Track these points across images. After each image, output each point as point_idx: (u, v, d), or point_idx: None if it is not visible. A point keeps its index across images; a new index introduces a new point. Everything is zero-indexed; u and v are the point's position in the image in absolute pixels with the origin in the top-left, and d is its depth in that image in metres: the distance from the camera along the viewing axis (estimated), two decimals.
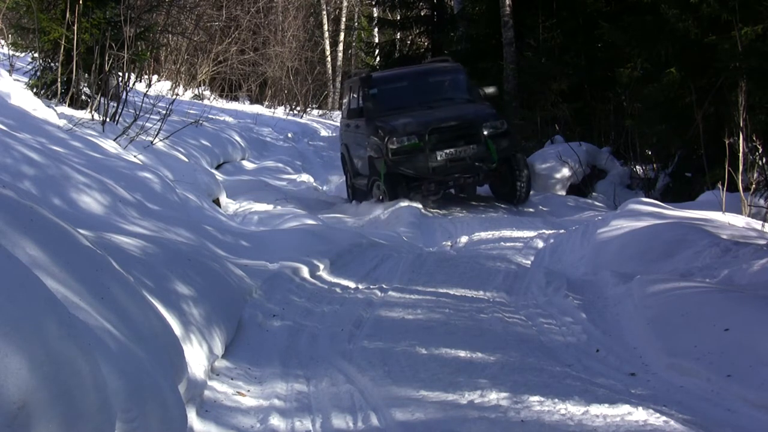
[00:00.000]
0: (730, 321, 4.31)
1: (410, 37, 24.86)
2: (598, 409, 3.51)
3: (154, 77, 22.94)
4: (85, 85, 11.90)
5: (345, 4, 32.45)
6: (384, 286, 6.38)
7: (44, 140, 8.13)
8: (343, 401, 3.81)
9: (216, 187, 11.19)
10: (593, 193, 13.24)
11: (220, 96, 27.30)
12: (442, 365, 4.27)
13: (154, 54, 20.44)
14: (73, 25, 11.15)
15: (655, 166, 13.24)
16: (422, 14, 21.90)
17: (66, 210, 6.16)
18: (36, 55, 12.06)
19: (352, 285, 6.49)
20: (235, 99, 28.21)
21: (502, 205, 12.09)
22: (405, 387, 3.94)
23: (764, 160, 9.84)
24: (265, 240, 7.54)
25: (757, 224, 8.00)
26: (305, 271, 6.45)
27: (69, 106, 11.41)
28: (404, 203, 11.21)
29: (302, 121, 26.73)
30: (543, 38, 16.19)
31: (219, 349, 4.29)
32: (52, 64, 12.01)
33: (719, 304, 4.71)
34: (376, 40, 28.82)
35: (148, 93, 14.55)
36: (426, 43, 22.99)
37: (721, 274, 5.89)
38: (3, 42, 17.28)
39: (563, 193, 13.25)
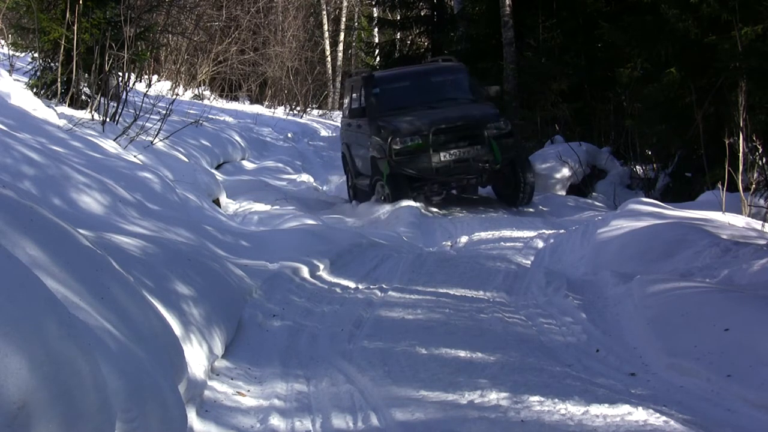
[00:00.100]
0: (730, 321, 4.31)
1: (410, 37, 24.86)
2: (598, 409, 3.51)
3: (154, 77, 22.95)
4: (85, 85, 11.90)
5: (345, 4, 32.45)
6: (384, 286, 6.38)
7: (44, 140, 8.14)
8: (343, 401, 3.81)
9: (216, 187, 11.19)
10: (593, 193, 13.24)
11: (220, 96, 27.30)
12: (442, 365, 4.27)
13: (154, 54, 20.45)
14: (73, 25, 11.15)
15: (655, 166, 13.24)
16: (422, 14, 21.90)
17: (66, 210, 6.16)
18: (36, 55, 12.06)
19: (352, 285, 6.49)
20: (235, 99, 28.21)
21: (502, 206, 12.08)
22: (405, 387, 3.94)
23: (764, 160, 9.84)
24: (265, 240, 7.54)
25: (757, 224, 8.00)
26: (305, 271, 6.45)
27: (69, 106, 11.41)
28: (405, 203, 11.20)
29: (302, 121, 26.73)
30: (543, 38, 16.20)
31: (219, 349, 4.29)
32: (52, 64, 12.01)
33: (719, 304, 4.71)
34: (376, 40, 28.83)
35: (148, 93, 14.55)
36: (426, 43, 22.99)
37: (721, 274, 5.89)
38: (3, 42, 17.28)
39: (563, 193, 13.25)
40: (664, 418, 3.39)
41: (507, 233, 9.56)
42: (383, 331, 5.04)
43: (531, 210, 11.90)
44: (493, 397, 3.73)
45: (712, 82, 10.96)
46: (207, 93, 26.31)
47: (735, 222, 7.92)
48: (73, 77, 11.38)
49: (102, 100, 11.39)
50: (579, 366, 4.31)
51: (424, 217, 11.06)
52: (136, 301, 3.29)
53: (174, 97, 17.91)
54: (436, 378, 4.06)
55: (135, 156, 10.21)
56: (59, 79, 11.65)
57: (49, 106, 10.45)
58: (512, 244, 8.93)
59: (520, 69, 16.31)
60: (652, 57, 11.96)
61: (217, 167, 14.89)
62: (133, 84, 13.54)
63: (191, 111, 16.63)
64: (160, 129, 11.89)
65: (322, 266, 6.77)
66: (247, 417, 3.63)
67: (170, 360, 3.24)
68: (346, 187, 14.02)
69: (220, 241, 6.95)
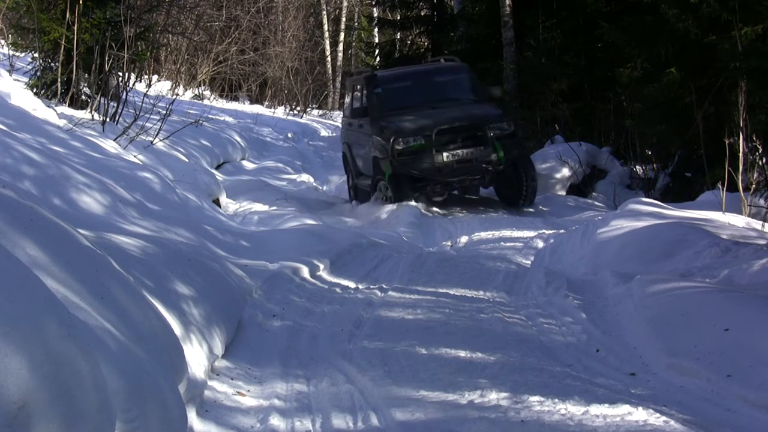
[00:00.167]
0: (730, 321, 4.31)
1: (410, 37, 24.85)
2: (598, 409, 3.51)
3: (154, 77, 22.95)
4: (85, 85, 11.90)
5: (345, 4, 32.45)
6: (384, 286, 6.38)
7: (44, 140, 8.14)
8: (343, 401, 3.81)
9: (216, 187, 11.19)
10: (593, 193, 13.24)
11: (220, 96, 27.30)
12: (442, 365, 4.27)
13: (154, 54, 20.45)
14: (73, 25, 11.15)
15: (655, 166, 13.24)
16: (422, 14, 21.89)
17: (66, 210, 6.16)
18: (36, 55, 12.07)
19: (352, 285, 6.49)
20: (235, 99, 28.22)
21: (502, 206, 12.08)
22: (405, 387, 3.94)
23: (764, 160, 9.84)
24: (265, 240, 7.54)
25: (757, 224, 8.00)
26: (305, 271, 6.45)
27: (69, 106, 11.41)
28: (405, 203, 11.19)
29: (302, 121, 26.73)
30: (543, 38, 16.19)
31: (219, 349, 4.29)
32: (52, 64, 12.02)
33: (719, 304, 4.71)
34: (376, 40, 28.82)
35: (148, 93, 14.56)
36: (426, 43, 22.98)
37: (721, 274, 5.89)
38: (3, 42, 17.28)
39: (563, 193, 13.24)
40: (664, 418, 3.39)
41: (507, 233, 9.56)
42: (383, 331, 5.03)
43: (531, 210, 11.89)
44: (493, 397, 3.73)
45: (712, 82, 10.96)
46: (207, 93, 26.31)
47: (735, 222, 7.92)
48: (73, 77, 11.38)
49: (102, 100, 11.39)
50: (579, 366, 4.31)
51: (424, 217, 11.05)
52: (136, 301, 3.29)
53: (174, 97, 17.91)
54: (436, 378, 4.06)
55: (135, 156, 10.21)
56: (59, 79, 11.65)
57: (49, 106, 10.45)
58: (512, 244, 8.92)
59: (520, 69, 16.30)
60: (652, 57, 11.96)
61: (217, 167, 14.89)
62: (133, 84, 13.54)
63: (191, 111, 16.63)
64: (160, 129, 11.89)
65: (322, 266, 6.77)
66: (247, 417, 3.63)
67: (170, 360, 3.24)
68: (346, 187, 13.99)
69: (220, 241, 6.95)
